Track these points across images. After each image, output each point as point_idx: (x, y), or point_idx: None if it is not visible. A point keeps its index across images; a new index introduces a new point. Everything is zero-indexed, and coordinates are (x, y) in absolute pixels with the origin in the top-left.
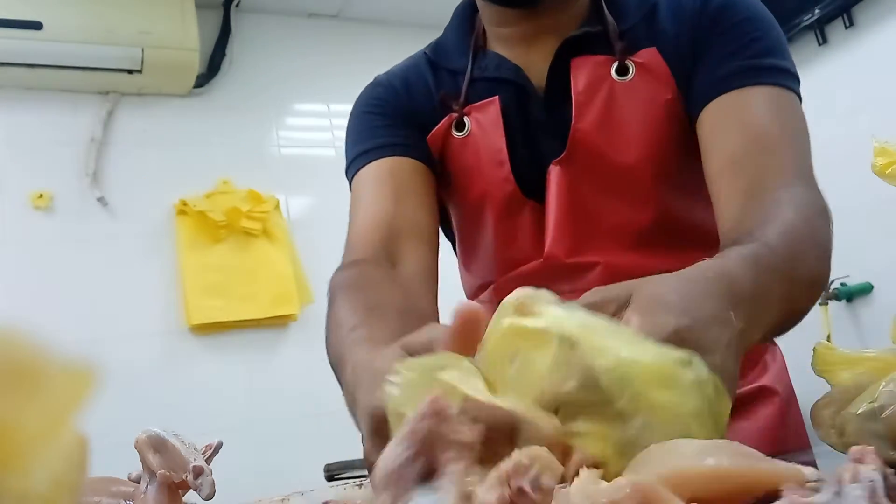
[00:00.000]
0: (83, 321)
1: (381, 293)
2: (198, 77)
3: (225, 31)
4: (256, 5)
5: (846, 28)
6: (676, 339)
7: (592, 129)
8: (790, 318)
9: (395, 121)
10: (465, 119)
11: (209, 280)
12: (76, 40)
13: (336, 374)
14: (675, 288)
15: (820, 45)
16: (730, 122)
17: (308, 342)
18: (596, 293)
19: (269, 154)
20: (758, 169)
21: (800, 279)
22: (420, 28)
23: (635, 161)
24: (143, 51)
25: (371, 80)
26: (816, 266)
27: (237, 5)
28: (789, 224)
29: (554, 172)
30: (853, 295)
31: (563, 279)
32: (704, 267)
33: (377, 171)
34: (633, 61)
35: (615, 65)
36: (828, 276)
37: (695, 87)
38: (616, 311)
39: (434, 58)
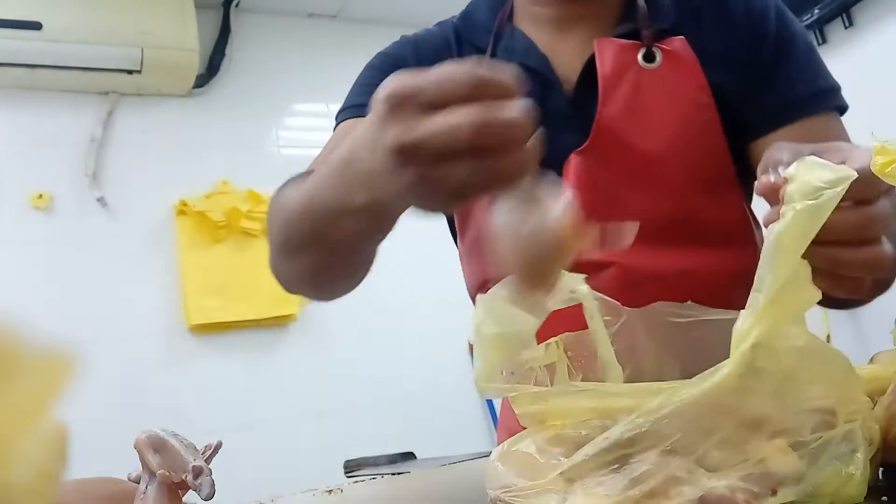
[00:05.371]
0: (83, 321)
1: None
2: (197, 77)
3: (224, 32)
4: (256, 5)
5: (846, 28)
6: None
7: (618, 115)
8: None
9: None
10: None
11: (209, 280)
12: (76, 40)
13: (291, 211)
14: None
15: (819, 45)
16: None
17: (308, 342)
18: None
19: (268, 154)
20: None
21: None
22: (419, 28)
23: (659, 150)
24: (142, 51)
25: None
26: None
27: (237, 5)
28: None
29: (574, 162)
30: None
31: None
32: None
33: None
34: (661, 48)
35: (642, 51)
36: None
37: (761, 107)
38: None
39: (462, 29)
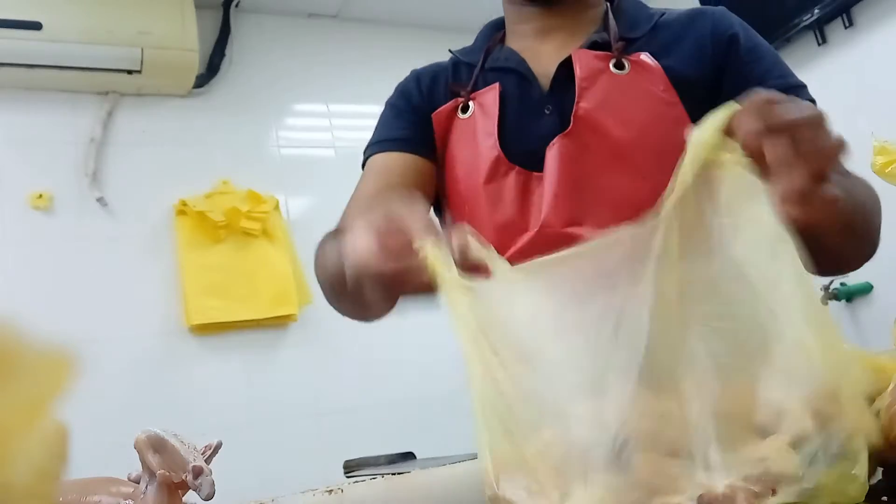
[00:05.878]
0: (83, 321)
1: None
2: (197, 77)
3: (224, 32)
4: (256, 5)
5: (846, 28)
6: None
7: (594, 108)
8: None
9: (411, 115)
10: (470, 103)
11: (209, 280)
12: (76, 40)
13: (329, 273)
14: None
15: (819, 45)
16: None
17: (308, 342)
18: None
19: (268, 154)
20: None
21: (866, 214)
22: (419, 28)
23: (633, 139)
24: (142, 51)
25: (370, 79)
26: (875, 219)
27: (237, 5)
28: (857, 180)
29: (556, 145)
30: (853, 295)
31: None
32: None
33: (381, 163)
34: (629, 59)
35: (613, 60)
36: (876, 241)
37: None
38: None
39: (460, 56)
